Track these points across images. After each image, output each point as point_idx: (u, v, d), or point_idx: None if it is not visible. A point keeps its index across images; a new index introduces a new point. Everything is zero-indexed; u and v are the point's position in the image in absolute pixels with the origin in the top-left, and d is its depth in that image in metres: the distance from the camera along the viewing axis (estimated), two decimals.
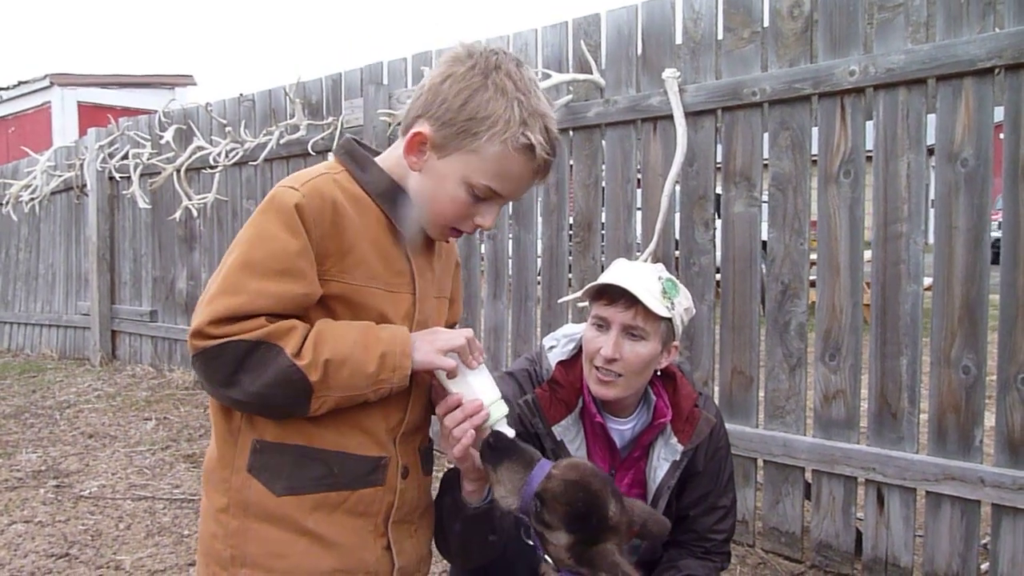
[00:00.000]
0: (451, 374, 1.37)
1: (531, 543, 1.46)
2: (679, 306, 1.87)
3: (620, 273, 1.88)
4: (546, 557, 1.44)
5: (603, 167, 3.60)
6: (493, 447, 1.39)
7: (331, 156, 1.47)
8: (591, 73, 3.53)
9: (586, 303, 1.98)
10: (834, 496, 2.91)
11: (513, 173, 1.33)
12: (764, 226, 3.11)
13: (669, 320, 1.85)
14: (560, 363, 1.98)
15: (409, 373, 1.33)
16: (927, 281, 2.72)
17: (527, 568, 1.58)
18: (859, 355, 2.86)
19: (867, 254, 2.87)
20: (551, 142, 1.34)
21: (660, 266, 1.94)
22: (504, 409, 1.40)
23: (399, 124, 1.40)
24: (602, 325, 1.88)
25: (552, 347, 2.04)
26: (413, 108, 1.37)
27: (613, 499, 1.42)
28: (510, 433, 1.42)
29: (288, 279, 1.24)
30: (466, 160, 1.31)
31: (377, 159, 1.42)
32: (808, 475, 3.01)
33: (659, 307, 1.82)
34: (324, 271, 1.28)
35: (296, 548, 1.31)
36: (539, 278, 3.92)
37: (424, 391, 1.45)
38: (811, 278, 2.98)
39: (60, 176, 7.45)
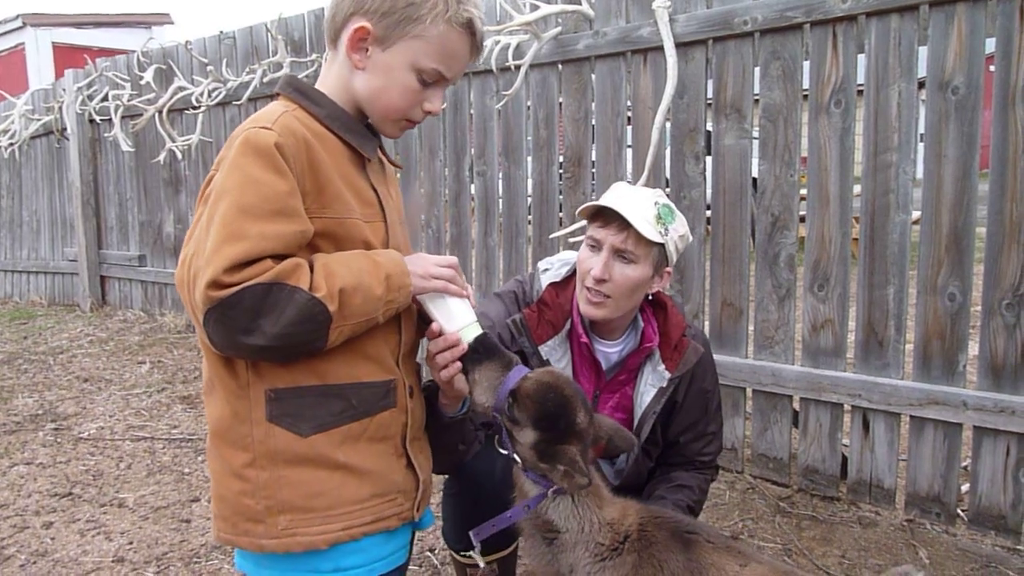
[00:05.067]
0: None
1: (504, 452, 1.54)
2: (673, 232, 1.89)
3: (617, 196, 1.89)
4: (515, 456, 1.52)
5: (593, 101, 3.56)
6: (475, 350, 1.44)
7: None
8: (580, 3, 3.46)
9: (577, 239, 1.99)
10: (821, 423, 2.98)
11: (457, 51, 1.39)
12: (755, 162, 3.11)
13: (662, 246, 1.88)
14: (551, 284, 2.02)
15: (411, 291, 1.37)
16: (915, 215, 2.74)
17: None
18: (847, 285, 2.90)
19: (857, 188, 2.88)
20: (482, 17, 1.41)
21: (659, 191, 1.95)
22: (478, 331, 1.45)
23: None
24: (595, 246, 1.91)
25: (546, 270, 2.07)
26: (340, 11, 1.37)
27: (582, 408, 1.50)
28: None
29: (284, 219, 1.24)
30: (412, 46, 1.35)
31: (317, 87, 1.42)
32: (796, 403, 3.08)
33: (651, 232, 1.84)
34: (305, 208, 1.28)
35: (332, 483, 1.34)
36: (530, 217, 3.92)
37: (413, 312, 1.48)
38: (801, 213, 3.00)
39: (39, 120, 7.30)
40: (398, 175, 1.59)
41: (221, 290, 1.19)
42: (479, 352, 1.45)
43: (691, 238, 2.01)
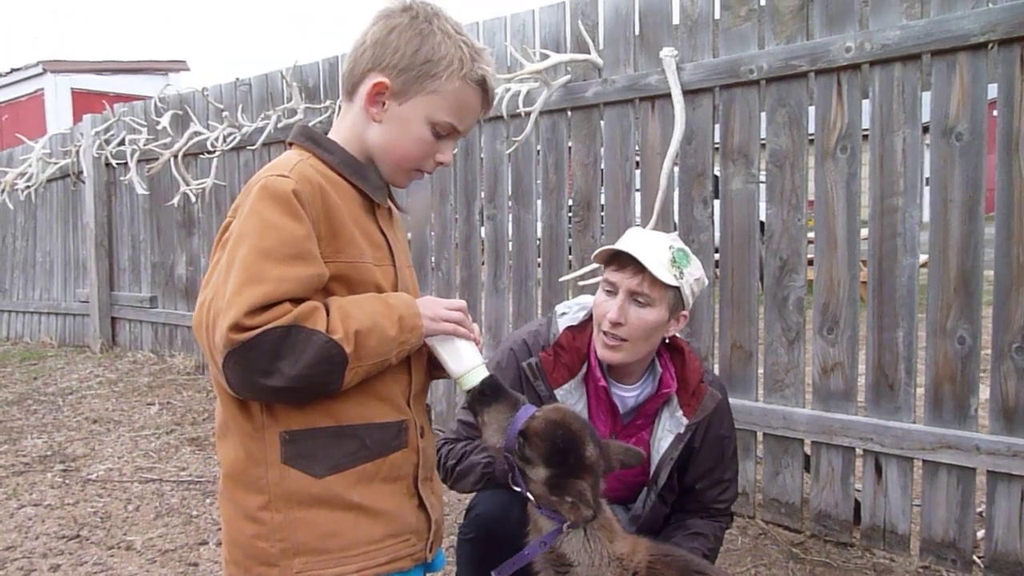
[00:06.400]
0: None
1: (518, 488, 1.55)
2: (689, 276, 1.91)
3: (631, 240, 1.92)
4: (528, 494, 1.54)
5: (602, 147, 3.62)
6: (483, 392, 1.47)
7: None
8: (589, 53, 3.54)
9: (587, 283, 2.02)
10: (833, 467, 2.96)
11: (470, 106, 1.45)
12: (762, 206, 3.15)
13: (677, 289, 1.90)
14: (568, 328, 2.04)
15: (423, 333, 1.39)
16: (923, 258, 2.76)
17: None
18: (856, 328, 2.91)
19: (864, 232, 2.91)
20: (495, 74, 1.48)
21: (674, 235, 1.98)
22: (485, 373, 1.48)
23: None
24: (611, 290, 1.93)
25: (563, 313, 2.10)
26: (358, 65, 1.43)
27: (591, 442, 1.53)
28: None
29: (302, 263, 1.27)
30: (428, 101, 1.41)
31: (330, 136, 1.47)
32: (807, 447, 3.06)
33: (666, 275, 1.86)
34: (320, 252, 1.32)
35: (346, 524, 1.34)
36: (539, 260, 3.95)
37: (423, 353, 1.50)
38: (809, 256, 3.02)
39: (56, 163, 7.43)
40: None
41: (242, 333, 1.21)
42: (487, 394, 1.47)
43: (707, 281, 2.04)
